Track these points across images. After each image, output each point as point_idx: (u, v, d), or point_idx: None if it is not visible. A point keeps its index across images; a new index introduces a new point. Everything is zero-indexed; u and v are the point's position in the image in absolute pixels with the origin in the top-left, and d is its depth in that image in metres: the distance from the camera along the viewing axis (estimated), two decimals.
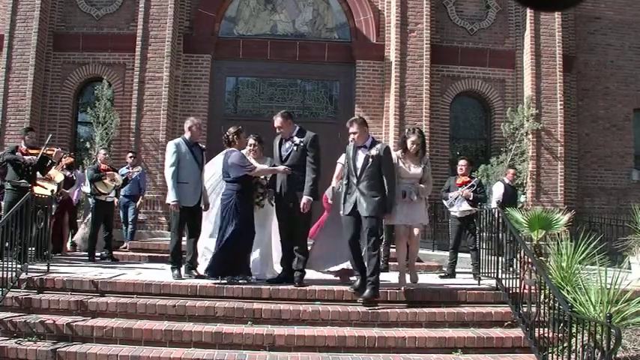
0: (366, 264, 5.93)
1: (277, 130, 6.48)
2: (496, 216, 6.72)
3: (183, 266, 6.63)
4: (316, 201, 6.49)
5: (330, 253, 6.51)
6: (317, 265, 6.62)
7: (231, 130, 6.52)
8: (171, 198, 6.51)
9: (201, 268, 6.59)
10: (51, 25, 11.79)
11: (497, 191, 9.72)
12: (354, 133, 6.06)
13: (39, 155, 7.59)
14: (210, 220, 7.12)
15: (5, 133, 11.21)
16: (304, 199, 6.16)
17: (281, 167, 6.33)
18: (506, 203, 8.32)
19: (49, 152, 7.86)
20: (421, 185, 6.38)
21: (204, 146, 7.11)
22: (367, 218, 5.87)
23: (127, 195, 9.46)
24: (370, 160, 5.96)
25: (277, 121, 6.43)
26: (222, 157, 6.84)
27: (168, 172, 6.60)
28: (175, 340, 5.23)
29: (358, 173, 5.98)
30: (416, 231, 6.61)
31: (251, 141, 6.77)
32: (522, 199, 11.24)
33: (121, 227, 9.59)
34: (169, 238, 7.04)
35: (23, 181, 7.48)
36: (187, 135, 6.80)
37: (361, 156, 6.02)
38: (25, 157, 7.54)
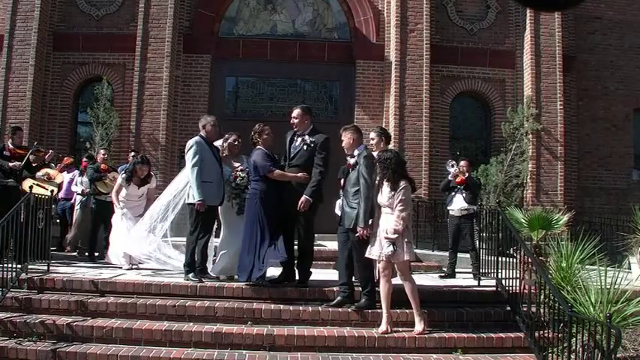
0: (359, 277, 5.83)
1: (292, 121, 6.36)
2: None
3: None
4: (319, 203, 6.41)
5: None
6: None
7: (256, 128, 6.39)
8: (196, 197, 6.27)
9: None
10: (51, 25, 11.78)
11: None
12: (342, 141, 5.93)
13: (24, 160, 7.61)
14: None
15: (5, 133, 11.20)
16: (303, 198, 6.00)
17: (300, 174, 6.12)
18: None
19: (37, 154, 7.91)
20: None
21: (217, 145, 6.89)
22: (349, 231, 5.74)
23: None
24: (350, 169, 5.82)
25: (295, 112, 6.33)
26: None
27: (192, 171, 6.33)
28: (175, 340, 5.23)
29: (344, 182, 5.89)
30: (396, 266, 5.55)
31: (232, 138, 6.81)
32: None
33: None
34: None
35: (11, 180, 7.49)
36: (203, 133, 6.62)
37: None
38: (9, 163, 7.51)
